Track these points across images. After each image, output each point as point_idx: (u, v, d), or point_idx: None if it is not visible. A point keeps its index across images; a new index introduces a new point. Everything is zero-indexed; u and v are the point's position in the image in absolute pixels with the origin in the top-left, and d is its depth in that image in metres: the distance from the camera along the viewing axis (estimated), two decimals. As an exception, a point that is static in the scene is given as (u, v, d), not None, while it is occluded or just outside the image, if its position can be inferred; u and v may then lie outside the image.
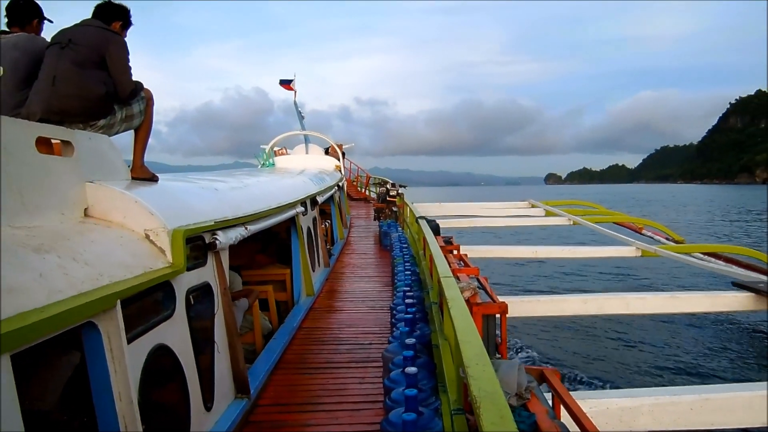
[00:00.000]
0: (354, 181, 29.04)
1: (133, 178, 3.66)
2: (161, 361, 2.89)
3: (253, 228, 4.74)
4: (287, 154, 19.52)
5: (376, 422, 3.36)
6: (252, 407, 4.22)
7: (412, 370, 2.94)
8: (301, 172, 11.54)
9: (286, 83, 21.76)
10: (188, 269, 3.25)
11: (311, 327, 6.59)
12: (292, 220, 7.14)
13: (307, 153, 19.80)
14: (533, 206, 18.81)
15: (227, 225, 4.12)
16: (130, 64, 3.61)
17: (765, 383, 4.70)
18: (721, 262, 11.96)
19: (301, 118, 21.78)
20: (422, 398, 2.95)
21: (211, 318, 3.76)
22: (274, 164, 18.18)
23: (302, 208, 7.56)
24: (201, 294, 3.58)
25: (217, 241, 3.80)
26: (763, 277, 8.85)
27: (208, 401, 3.47)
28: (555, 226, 17.01)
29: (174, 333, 3.06)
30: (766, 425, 4.46)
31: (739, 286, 7.98)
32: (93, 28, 3.55)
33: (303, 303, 7.19)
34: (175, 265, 3.03)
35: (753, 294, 7.61)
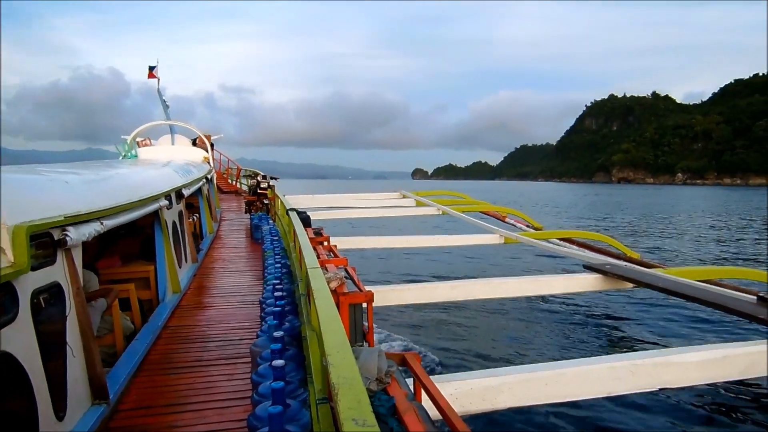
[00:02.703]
0: (224, 174, 28.18)
1: (-35, 171, 3.32)
2: (2, 369, 2.67)
3: (110, 223, 4.48)
4: (151, 145, 18.48)
5: (245, 418, 3.33)
6: (112, 413, 4.01)
7: (279, 362, 2.94)
8: (166, 164, 10.98)
9: (150, 71, 20.60)
10: (33, 269, 3.01)
11: (178, 325, 6.34)
12: (156, 215, 6.82)
13: (173, 144, 18.89)
14: (404, 197, 19.35)
15: (79, 220, 3.86)
16: None
17: (610, 357, 5.19)
18: (574, 246, 13.13)
19: (166, 107, 20.72)
20: (290, 390, 2.96)
21: (62, 320, 3.51)
22: (137, 156, 17.15)
23: (166, 202, 7.24)
24: (50, 295, 3.34)
25: (67, 238, 3.55)
26: (610, 260, 9.81)
27: (59, 410, 3.25)
28: (425, 216, 17.58)
29: (17, 339, 2.83)
30: (609, 395, 4.93)
31: (589, 268, 8.72)
32: None
33: (169, 301, 6.90)
34: (16, 264, 2.79)
35: (601, 275, 8.38)
